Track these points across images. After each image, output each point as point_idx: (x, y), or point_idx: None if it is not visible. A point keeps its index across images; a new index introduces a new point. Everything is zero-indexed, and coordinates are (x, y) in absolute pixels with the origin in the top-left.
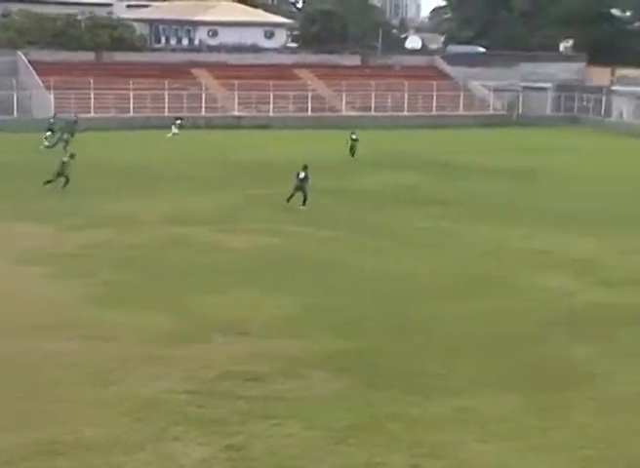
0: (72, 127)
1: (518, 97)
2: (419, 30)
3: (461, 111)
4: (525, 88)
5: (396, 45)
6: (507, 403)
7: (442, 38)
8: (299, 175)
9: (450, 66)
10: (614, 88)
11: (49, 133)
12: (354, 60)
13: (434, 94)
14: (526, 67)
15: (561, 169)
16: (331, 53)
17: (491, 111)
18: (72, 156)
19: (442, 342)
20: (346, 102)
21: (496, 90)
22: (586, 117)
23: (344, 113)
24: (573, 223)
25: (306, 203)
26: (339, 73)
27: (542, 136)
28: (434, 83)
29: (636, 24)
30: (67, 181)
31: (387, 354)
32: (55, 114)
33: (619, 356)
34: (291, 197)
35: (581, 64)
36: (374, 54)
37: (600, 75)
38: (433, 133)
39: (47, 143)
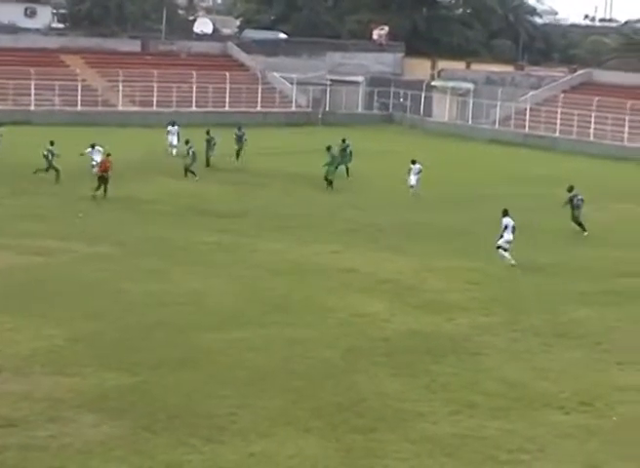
0: None
1: (325, 91)
2: (210, 12)
3: (260, 108)
4: (333, 81)
5: (183, 28)
6: (308, 447)
7: (237, 22)
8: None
9: (246, 55)
10: (434, 83)
11: None
12: (133, 46)
13: (227, 86)
14: (334, 58)
15: (372, 175)
16: (105, 36)
17: (293, 108)
18: None
19: (232, 376)
20: (124, 96)
21: (299, 83)
22: (403, 116)
23: (121, 108)
24: (384, 238)
25: None
26: (114, 61)
27: (352, 138)
28: (227, 74)
29: (459, 11)
30: None
31: (168, 391)
32: None
33: (433, 391)
34: None
35: (398, 55)
36: (156, 38)
37: (419, 68)
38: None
39: None
